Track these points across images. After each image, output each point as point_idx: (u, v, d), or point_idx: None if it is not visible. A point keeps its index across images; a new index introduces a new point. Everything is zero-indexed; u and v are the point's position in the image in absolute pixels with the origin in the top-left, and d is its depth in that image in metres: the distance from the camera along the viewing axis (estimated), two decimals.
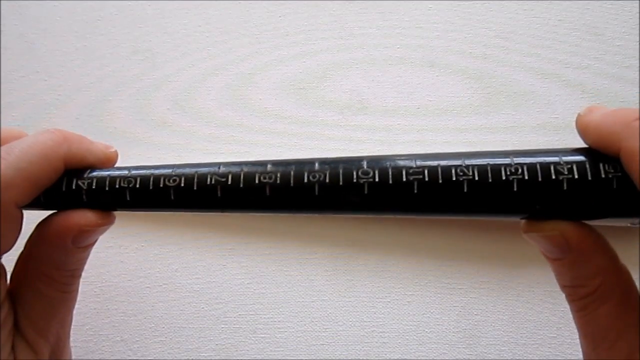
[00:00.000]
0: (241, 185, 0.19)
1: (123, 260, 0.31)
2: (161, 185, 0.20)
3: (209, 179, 0.20)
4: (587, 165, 0.17)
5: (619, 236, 0.28)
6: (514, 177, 0.17)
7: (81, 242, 0.21)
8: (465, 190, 0.18)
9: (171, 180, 0.20)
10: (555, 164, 0.17)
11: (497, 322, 0.28)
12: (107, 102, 0.33)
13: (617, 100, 0.30)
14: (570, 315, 0.28)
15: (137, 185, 0.20)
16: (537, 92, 0.31)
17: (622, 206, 0.18)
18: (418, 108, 0.31)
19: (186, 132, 0.32)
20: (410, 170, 0.18)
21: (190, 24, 0.34)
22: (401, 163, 0.18)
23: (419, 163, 0.18)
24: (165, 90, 0.33)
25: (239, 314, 0.30)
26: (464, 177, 0.18)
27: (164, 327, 0.30)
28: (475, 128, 0.31)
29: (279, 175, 0.19)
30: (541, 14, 0.32)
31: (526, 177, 0.17)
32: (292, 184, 0.19)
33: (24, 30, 0.35)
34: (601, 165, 0.17)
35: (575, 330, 0.27)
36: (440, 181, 0.18)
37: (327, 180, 0.19)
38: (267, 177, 0.19)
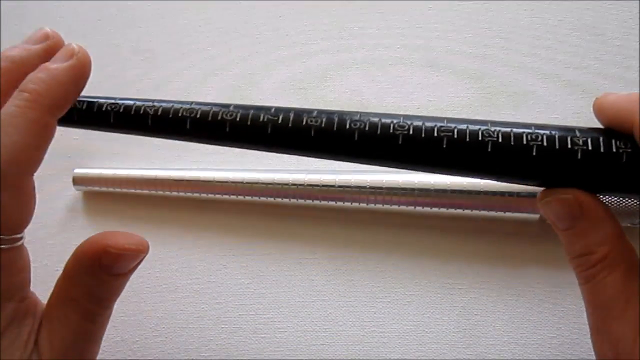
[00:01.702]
0: (248, 124, 0.22)
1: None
2: (179, 115, 0.22)
3: (220, 115, 0.22)
4: (601, 139, 0.19)
5: None
6: (534, 143, 0.19)
7: (112, 268, 0.21)
8: (489, 149, 0.19)
9: (189, 112, 0.22)
10: (572, 135, 0.19)
11: (497, 322, 0.28)
12: None
13: None
14: (571, 315, 0.28)
15: (159, 113, 0.22)
16: (537, 92, 0.31)
17: (630, 182, 0.19)
18: (418, 108, 0.31)
19: None
20: (442, 127, 0.20)
21: (190, 24, 0.34)
22: (432, 123, 0.20)
23: (448, 124, 0.20)
24: (165, 91, 0.33)
25: (239, 314, 0.30)
26: (489, 139, 0.19)
27: (164, 327, 0.30)
28: None
29: (281, 116, 0.22)
30: (541, 14, 0.32)
31: (545, 144, 0.19)
32: (290, 125, 0.21)
33: (24, 30, 0.35)
34: (614, 140, 0.19)
35: (576, 330, 0.27)
36: (468, 139, 0.19)
37: (323, 125, 0.21)
38: (271, 115, 0.21)
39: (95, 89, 0.34)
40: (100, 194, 0.32)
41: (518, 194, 0.27)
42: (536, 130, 0.19)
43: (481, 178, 0.21)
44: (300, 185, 0.29)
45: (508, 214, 0.28)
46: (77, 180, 0.32)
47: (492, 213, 0.28)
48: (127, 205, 0.32)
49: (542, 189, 0.20)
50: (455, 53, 0.32)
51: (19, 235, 0.20)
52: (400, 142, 0.20)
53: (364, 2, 0.33)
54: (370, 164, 0.21)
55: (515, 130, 0.19)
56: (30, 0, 0.35)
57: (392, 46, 0.32)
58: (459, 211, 0.28)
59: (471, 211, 0.28)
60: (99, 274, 0.21)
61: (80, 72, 0.22)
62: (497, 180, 0.21)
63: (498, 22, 0.32)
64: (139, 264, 0.22)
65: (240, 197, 0.30)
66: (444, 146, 0.19)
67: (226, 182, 0.30)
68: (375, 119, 0.20)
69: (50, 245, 0.32)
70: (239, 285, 0.30)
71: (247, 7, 0.34)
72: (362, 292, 0.29)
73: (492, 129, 0.19)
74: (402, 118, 0.20)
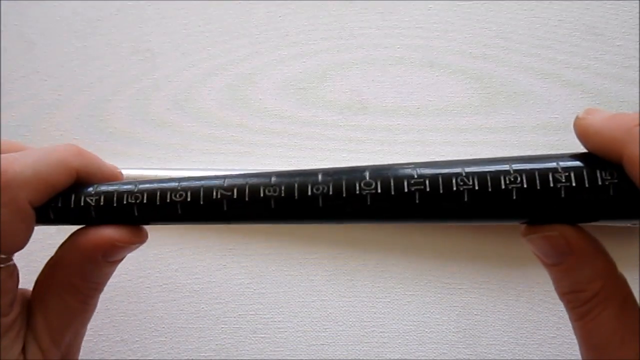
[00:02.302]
0: (246, 199, 0.20)
1: (123, 260, 0.31)
2: (168, 200, 0.21)
3: (214, 193, 0.20)
4: (585, 172, 0.18)
5: (619, 236, 0.28)
6: (513, 185, 0.18)
7: (111, 256, 0.22)
8: (466, 199, 0.18)
9: (177, 195, 0.20)
10: (553, 171, 0.18)
11: (497, 322, 0.28)
12: (107, 102, 0.33)
13: (617, 100, 0.30)
14: None
15: (145, 201, 0.21)
16: (537, 92, 0.31)
17: (618, 211, 0.18)
18: (418, 108, 0.31)
19: (186, 132, 0.32)
20: (412, 181, 0.19)
21: (190, 24, 0.34)
22: (402, 172, 0.19)
23: (420, 172, 0.19)
24: (165, 91, 0.33)
25: (239, 314, 0.30)
26: (465, 187, 0.18)
27: (164, 327, 0.30)
28: (475, 128, 0.31)
29: (283, 188, 0.20)
30: (541, 14, 0.32)
31: (525, 186, 0.18)
32: (296, 197, 0.20)
33: (24, 30, 0.35)
34: (598, 172, 0.18)
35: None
36: (441, 191, 0.18)
37: (331, 193, 0.19)
38: (271, 190, 0.20)
39: (95, 89, 0.34)
40: None
41: None
42: (514, 168, 0.18)
43: (459, 224, 0.20)
44: None
45: None
46: None
47: None
48: None
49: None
50: (455, 53, 0.32)
51: (6, 256, 0.21)
52: (368, 203, 0.19)
53: (364, 2, 0.33)
54: (338, 224, 0.20)
55: (491, 172, 0.18)
56: (30, 0, 0.35)
57: (392, 46, 0.32)
58: None
59: None
60: (98, 262, 0.22)
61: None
62: (477, 223, 0.20)
63: (498, 22, 0.32)
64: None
65: None
66: (417, 201, 0.19)
67: None
68: (342, 180, 0.19)
69: (50, 245, 0.32)
70: (239, 285, 0.30)
71: (247, 7, 0.34)
72: (362, 292, 0.29)
73: (467, 172, 0.18)
74: (368, 173, 0.19)
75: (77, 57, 0.34)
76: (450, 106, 0.31)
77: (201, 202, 0.20)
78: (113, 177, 0.23)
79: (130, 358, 0.30)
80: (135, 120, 0.33)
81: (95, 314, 0.31)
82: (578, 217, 0.18)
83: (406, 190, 0.18)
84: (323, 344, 0.29)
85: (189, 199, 0.20)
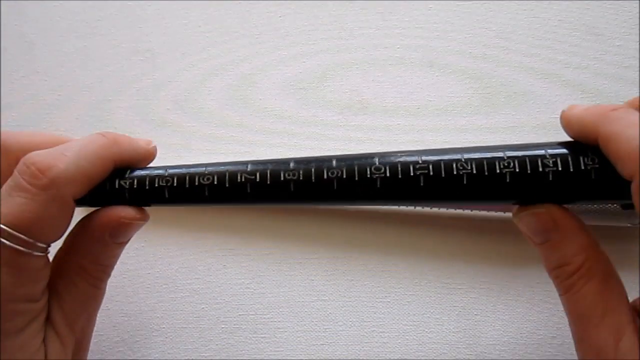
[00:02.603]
0: (268, 182, 0.22)
1: (123, 260, 0.31)
2: (196, 184, 0.22)
3: (239, 177, 0.22)
4: (569, 159, 0.20)
5: (619, 236, 0.28)
6: (507, 170, 0.20)
7: (119, 236, 0.23)
8: (465, 182, 0.20)
9: (205, 179, 0.22)
10: (542, 157, 0.20)
11: (497, 322, 0.28)
12: (108, 102, 0.33)
13: (617, 100, 0.30)
14: None
15: (175, 184, 0.23)
16: (537, 92, 0.31)
17: (599, 193, 0.20)
18: (418, 108, 0.31)
19: (186, 132, 0.32)
20: (417, 166, 0.21)
21: (190, 24, 0.34)
22: (408, 159, 0.21)
23: (424, 158, 0.21)
24: (165, 91, 0.33)
25: (239, 314, 0.30)
26: (464, 171, 0.20)
27: (164, 327, 0.30)
28: (475, 128, 0.31)
29: (301, 172, 0.22)
30: (541, 14, 0.32)
31: (517, 170, 0.20)
32: (313, 181, 0.22)
33: (24, 30, 0.35)
34: (581, 158, 0.20)
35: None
36: (443, 175, 0.21)
37: (344, 176, 0.21)
38: (290, 175, 0.22)
39: (95, 89, 0.34)
40: None
41: None
42: (508, 154, 0.20)
43: (459, 205, 0.22)
44: None
45: (508, 214, 0.28)
46: None
47: (492, 213, 0.28)
48: None
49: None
50: (455, 53, 0.32)
51: (47, 246, 0.21)
52: (378, 186, 0.21)
53: (364, 2, 0.33)
54: (350, 205, 0.23)
55: (488, 158, 0.20)
56: (30, 0, 0.35)
57: (392, 46, 0.32)
58: (459, 211, 0.28)
59: (471, 211, 0.28)
60: (107, 243, 0.23)
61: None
62: (474, 204, 0.24)
63: (498, 22, 0.32)
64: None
65: None
66: (421, 184, 0.21)
67: None
68: (354, 166, 0.21)
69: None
70: (239, 285, 0.30)
71: (247, 7, 0.34)
72: (362, 292, 0.29)
73: (466, 158, 0.21)
74: (377, 159, 0.21)
75: (77, 57, 0.34)
76: (450, 106, 0.31)
77: (227, 185, 0.22)
78: (148, 153, 0.25)
79: (130, 358, 0.30)
80: (135, 120, 0.33)
81: None
82: (564, 198, 0.21)
83: (412, 174, 0.21)
84: (323, 344, 0.29)
85: (215, 182, 0.22)
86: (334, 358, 0.29)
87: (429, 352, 0.28)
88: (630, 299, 0.21)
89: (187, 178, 0.23)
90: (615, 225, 0.26)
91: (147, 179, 0.23)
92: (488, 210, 0.28)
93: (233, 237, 0.31)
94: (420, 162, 0.21)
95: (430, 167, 0.21)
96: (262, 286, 0.30)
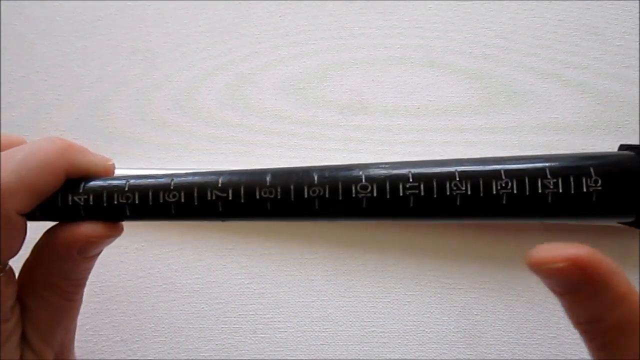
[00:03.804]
0: (242, 201, 0.20)
1: (123, 260, 0.31)
2: (161, 201, 0.20)
3: (209, 194, 0.20)
4: (572, 179, 0.19)
5: (619, 236, 0.28)
6: (504, 191, 0.19)
7: (87, 252, 0.21)
8: (458, 203, 0.19)
9: (171, 195, 0.20)
10: (542, 177, 0.19)
11: (497, 322, 0.28)
12: (107, 102, 0.33)
13: (617, 100, 0.30)
14: None
15: (137, 201, 0.20)
16: (537, 92, 0.31)
17: (599, 214, 0.19)
18: (418, 108, 0.31)
19: (186, 132, 0.32)
20: (407, 185, 0.19)
21: (190, 24, 0.34)
22: (398, 174, 0.19)
23: (415, 172, 0.19)
24: (165, 90, 0.33)
25: (239, 314, 0.30)
26: (457, 192, 0.19)
27: (164, 327, 0.30)
28: (475, 128, 0.31)
29: (279, 190, 0.20)
30: (541, 14, 0.32)
31: (515, 192, 0.19)
32: (292, 199, 0.20)
33: (24, 30, 0.35)
34: (584, 179, 0.19)
35: (576, 330, 0.26)
36: (435, 196, 0.19)
37: (327, 196, 0.19)
38: (267, 192, 0.20)
39: (95, 89, 0.34)
40: None
41: None
42: (506, 171, 0.19)
43: (449, 222, 0.21)
44: None
45: None
46: None
47: None
48: None
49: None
50: (455, 53, 0.32)
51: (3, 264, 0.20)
52: (364, 206, 0.19)
53: (364, 2, 0.33)
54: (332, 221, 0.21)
55: (484, 177, 0.19)
56: (30, 0, 0.35)
57: (392, 46, 0.32)
58: None
59: None
60: (75, 259, 0.21)
61: None
62: (467, 221, 0.22)
63: (498, 22, 0.32)
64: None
65: None
66: (411, 205, 0.19)
67: None
68: (338, 183, 0.19)
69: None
70: (239, 285, 0.30)
71: (247, 7, 0.34)
72: (362, 292, 0.29)
73: (460, 176, 0.19)
74: (364, 176, 0.19)
75: (77, 57, 0.34)
76: (450, 106, 0.31)
77: (195, 203, 0.20)
78: (104, 170, 0.22)
79: (130, 358, 0.30)
80: (135, 120, 0.33)
81: (95, 314, 0.31)
82: (561, 217, 0.20)
83: (401, 194, 0.19)
84: (323, 344, 0.29)
85: (182, 200, 0.20)
86: (334, 358, 0.29)
87: (429, 352, 0.28)
88: None
89: (151, 194, 0.20)
90: (616, 225, 0.26)
91: (105, 195, 0.20)
92: None
93: (233, 237, 0.31)
94: (410, 179, 0.19)
95: (421, 186, 0.19)
96: (262, 286, 0.30)
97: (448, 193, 0.19)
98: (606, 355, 0.17)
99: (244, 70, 0.33)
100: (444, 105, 0.31)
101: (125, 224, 0.32)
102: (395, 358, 0.28)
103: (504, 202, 0.19)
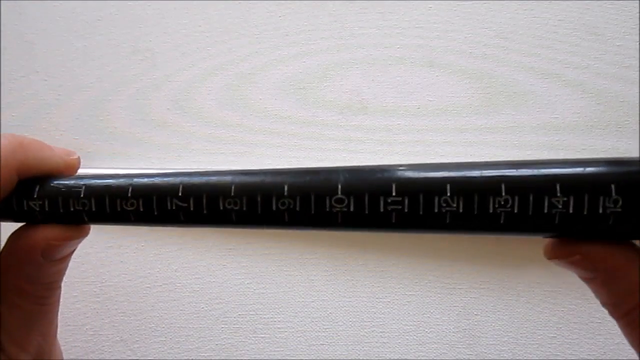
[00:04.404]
0: (204, 212, 0.18)
1: (123, 260, 0.31)
2: (118, 209, 0.19)
3: (169, 204, 0.18)
4: (586, 199, 0.16)
5: None
6: (502, 210, 0.16)
7: (52, 256, 0.20)
8: (448, 220, 0.17)
9: (129, 204, 0.19)
10: (550, 195, 0.16)
11: (497, 322, 0.28)
12: (107, 102, 0.33)
13: (617, 100, 0.30)
14: (571, 315, 0.28)
15: (93, 208, 0.19)
16: (537, 92, 0.31)
17: (614, 236, 0.17)
18: (418, 108, 0.31)
19: (186, 132, 0.32)
20: (389, 199, 0.17)
21: (190, 24, 0.34)
22: (379, 186, 0.17)
23: (399, 184, 0.17)
24: (165, 90, 0.33)
25: (239, 314, 0.30)
26: (448, 209, 0.16)
27: (164, 327, 0.30)
28: (475, 128, 0.31)
29: (244, 201, 0.18)
30: (541, 14, 0.32)
31: (515, 211, 0.16)
32: (259, 212, 0.18)
33: (24, 30, 0.35)
34: (601, 198, 0.16)
35: (575, 330, 0.27)
36: (421, 212, 0.17)
37: (297, 209, 0.17)
38: (231, 203, 0.18)
39: (95, 89, 0.34)
40: None
41: None
42: (506, 185, 0.16)
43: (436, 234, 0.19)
44: None
45: None
46: None
47: None
48: None
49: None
50: (455, 53, 0.32)
51: None
52: (339, 221, 0.17)
53: (364, 2, 0.33)
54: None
55: (479, 192, 0.16)
56: (30, 0, 0.35)
57: (392, 46, 0.32)
58: None
59: None
60: (41, 263, 0.20)
61: None
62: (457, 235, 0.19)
63: (498, 22, 0.32)
64: (78, 244, 0.21)
65: None
66: (393, 221, 0.17)
67: None
68: (311, 195, 0.17)
69: None
70: (239, 285, 0.30)
71: (247, 7, 0.34)
72: (362, 292, 0.29)
73: (452, 191, 0.16)
74: (340, 185, 0.17)
75: (77, 57, 0.34)
76: (450, 106, 0.31)
77: (155, 213, 0.18)
78: (65, 165, 0.21)
79: (130, 358, 0.30)
80: (135, 120, 0.33)
81: (95, 313, 0.31)
82: (567, 235, 0.17)
83: (382, 210, 0.17)
84: (323, 344, 0.29)
85: (141, 209, 0.19)
86: (334, 358, 0.29)
87: (429, 352, 0.28)
88: None
89: (107, 201, 0.19)
90: None
91: (60, 201, 0.19)
92: None
93: (233, 237, 0.31)
94: (393, 193, 0.17)
95: (406, 201, 0.16)
96: (262, 286, 0.30)
97: (436, 210, 0.16)
98: (631, 330, 0.18)
99: (244, 70, 0.33)
100: (444, 105, 0.31)
101: (127, 226, 0.32)
102: (395, 358, 0.28)
103: (502, 221, 0.16)
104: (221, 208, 0.18)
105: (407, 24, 0.32)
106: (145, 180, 0.19)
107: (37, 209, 0.19)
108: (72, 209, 0.19)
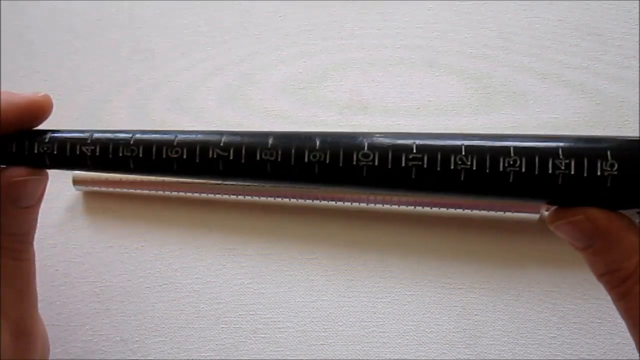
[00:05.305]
0: (242, 161, 0.20)
1: (123, 260, 0.31)
2: (120, 155, 0.20)
3: (164, 152, 0.20)
4: (585, 161, 0.18)
5: None
6: (511, 169, 0.18)
7: (19, 200, 0.21)
8: (462, 178, 0.18)
9: (129, 150, 0.20)
10: (554, 156, 0.18)
11: (497, 322, 0.28)
12: (108, 102, 0.33)
13: (617, 100, 0.30)
14: (571, 315, 0.28)
15: (97, 153, 0.20)
16: (537, 92, 0.31)
17: (614, 202, 0.18)
18: (418, 108, 0.31)
19: None
20: (410, 156, 0.18)
21: (190, 24, 0.34)
22: (401, 144, 0.19)
23: (419, 143, 0.19)
24: (165, 90, 0.33)
25: (239, 314, 0.30)
26: (462, 166, 0.18)
27: (164, 327, 0.30)
28: (475, 128, 0.31)
29: (280, 152, 0.19)
30: (541, 14, 0.32)
31: (523, 170, 0.18)
32: (292, 163, 0.19)
33: (24, 30, 0.35)
34: (599, 162, 0.18)
35: (575, 330, 0.27)
36: (439, 169, 0.18)
37: (327, 161, 0.19)
38: (268, 154, 0.19)
39: (95, 89, 0.34)
40: (100, 194, 0.32)
41: None
42: (515, 148, 0.18)
43: (453, 197, 0.21)
44: None
45: (508, 214, 0.28)
46: (77, 181, 0.32)
47: (492, 213, 0.28)
48: (127, 205, 0.32)
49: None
50: (455, 53, 0.32)
51: None
52: (364, 174, 0.19)
53: (364, 2, 0.33)
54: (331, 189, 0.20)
55: (491, 153, 0.18)
56: (30, 0, 0.35)
57: (392, 46, 0.32)
58: (459, 211, 0.28)
59: (471, 211, 0.28)
60: (7, 210, 0.21)
61: None
62: (469, 199, 0.21)
63: (498, 22, 0.32)
64: (43, 193, 0.22)
65: (241, 197, 0.30)
66: (413, 177, 0.19)
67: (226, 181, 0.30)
68: (340, 149, 0.19)
69: (50, 245, 0.32)
70: (239, 285, 0.30)
71: (247, 7, 0.34)
72: (362, 292, 0.29)
73: (466, 151, 0.18)
74: (366, 143, 0.19)
75: (77, 57, 0.34)
76: (450, 106, 0.31)
77: (153, 158, 0.20)
78: (37, 107, 0.21)
79: (130, 358, 0.30)
80: (135, 120, 0.33)
81: (95, 314, 0.31)
82: (571, 202, 0.19)
83: (403, 164, 0.18)
84: (323, 344, 0.29)
85: (141, 155, 0.20)
86: (334, 358, 0.29)
87: (429, 352, 0.28)
88: None
89: (111, 147, 0.20)
90: None
91: (69, 145, 0.21)
92: (488, 210, 0.28)
93: (233, 237, 0.31)
94: (414, 150, 0.18)
95: (425, 157, 0.18)
96: (262, 286, 0.30)
97: (452, 167, 0.18)
98: (626, 303, 0.18)
99: (244, 70, 0.33)
100: (444, 105, 0.31)
101: (127, 221, 0.32)
102: (395, 358, 0.28)
103: (511, 180, 0.18)
104: (258, 159, 0.19)
105: (407, 25, 0.32)
106: (146, 135, 0.20)
107: (48, 152, 0.21)
108: (78, 152, 0.21)
